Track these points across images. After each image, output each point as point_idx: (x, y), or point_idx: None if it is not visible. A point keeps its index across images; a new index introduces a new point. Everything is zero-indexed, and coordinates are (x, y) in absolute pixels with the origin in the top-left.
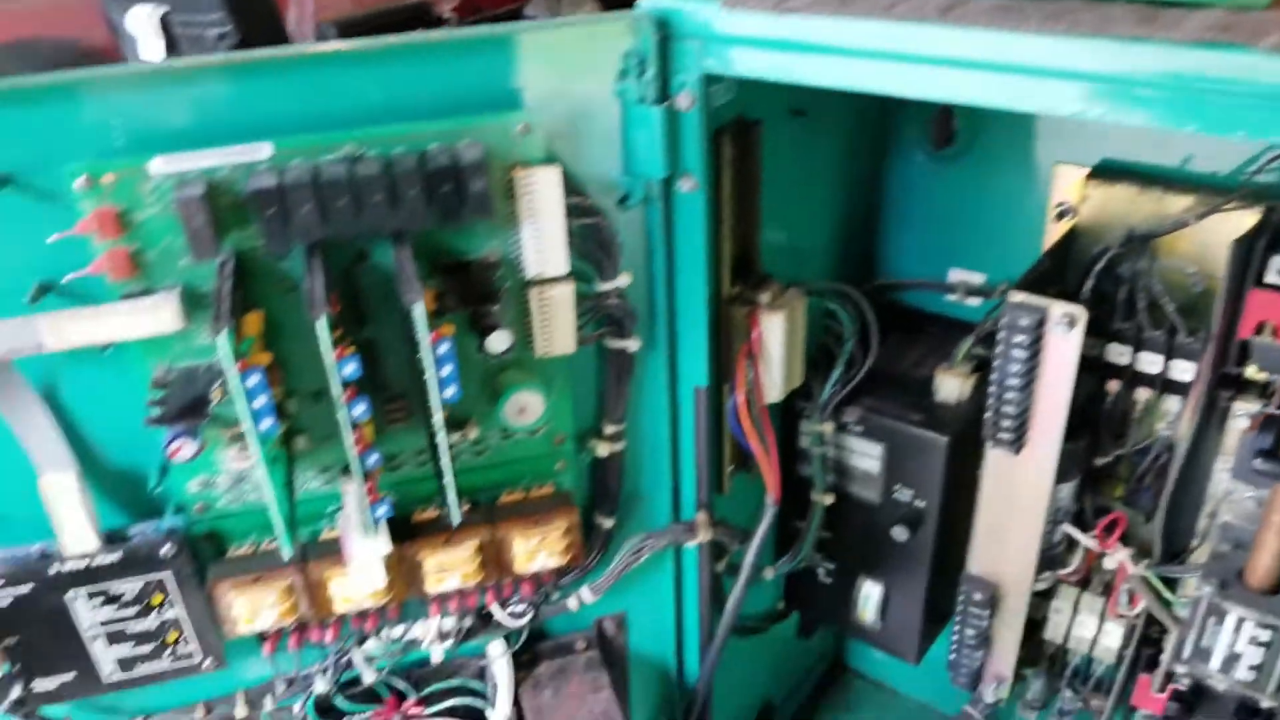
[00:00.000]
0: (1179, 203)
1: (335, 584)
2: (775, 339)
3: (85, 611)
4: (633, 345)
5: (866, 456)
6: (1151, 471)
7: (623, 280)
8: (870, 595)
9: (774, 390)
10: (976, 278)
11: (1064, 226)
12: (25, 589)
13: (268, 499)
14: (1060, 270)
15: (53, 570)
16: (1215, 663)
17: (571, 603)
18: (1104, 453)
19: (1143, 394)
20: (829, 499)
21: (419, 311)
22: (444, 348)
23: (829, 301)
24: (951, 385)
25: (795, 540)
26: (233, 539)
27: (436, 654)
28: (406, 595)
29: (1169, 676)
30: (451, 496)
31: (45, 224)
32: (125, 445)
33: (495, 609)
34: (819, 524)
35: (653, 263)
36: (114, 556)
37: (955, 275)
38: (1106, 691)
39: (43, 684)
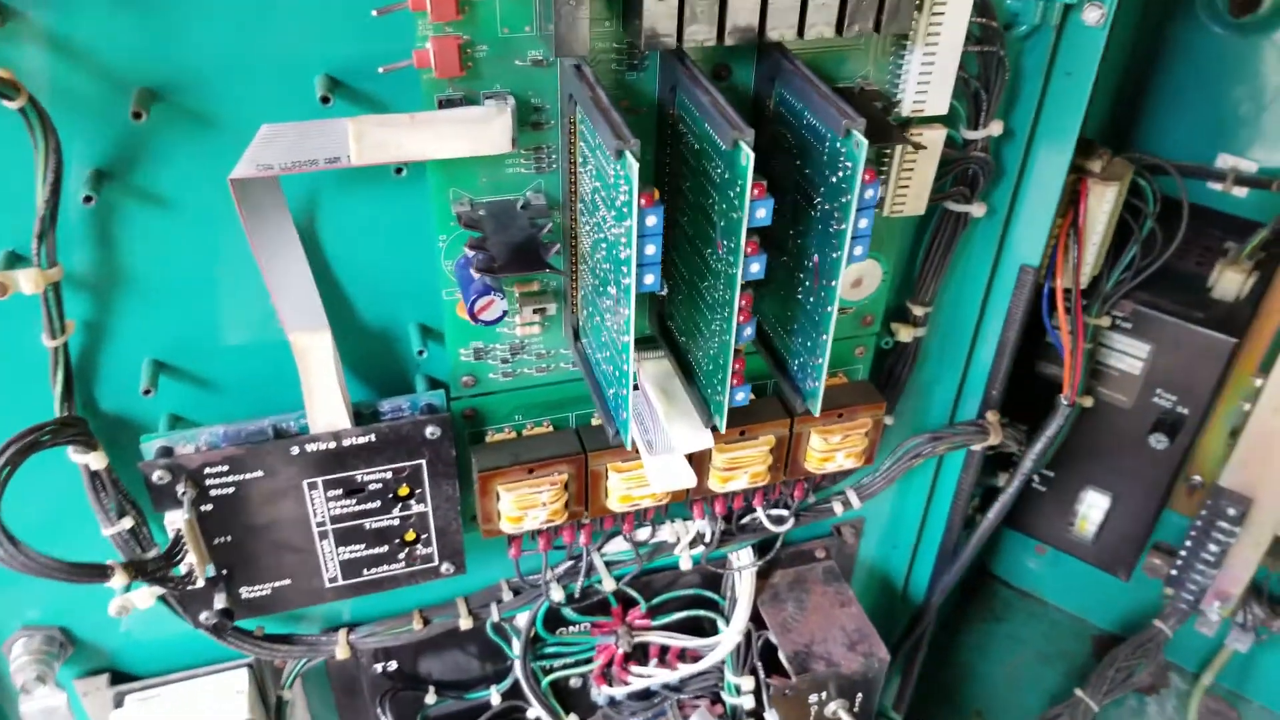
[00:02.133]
0: None
1: (616, 479)
2: (1102, 215)
3: (319, 503)
4: (977, 210)
5: (1128, 356)
6: None
7: (994, 128)
8: (1094, 507)
9: (1086, 273)
10: (1248, 166)
11: None
12: (253, 475)
13: (619, 368)
14: None
15: (294, 450)
16: None
17: (836, 507)
18: None
19: None
20: (1088, 401)
21: (859, 139)
22: (871, 192)
23: (1138, 176)
24: (1232, 281)
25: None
26: (493, 420)
27: (685, 561)
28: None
29: None
30: (820, 383)
31: None
32: (385, 299)
33: (759, 512)
34: (1068, 429)
35: (1016, 110)
36: (365, 438)
37: (1224, 161)
38: None
39: (250, 591)
